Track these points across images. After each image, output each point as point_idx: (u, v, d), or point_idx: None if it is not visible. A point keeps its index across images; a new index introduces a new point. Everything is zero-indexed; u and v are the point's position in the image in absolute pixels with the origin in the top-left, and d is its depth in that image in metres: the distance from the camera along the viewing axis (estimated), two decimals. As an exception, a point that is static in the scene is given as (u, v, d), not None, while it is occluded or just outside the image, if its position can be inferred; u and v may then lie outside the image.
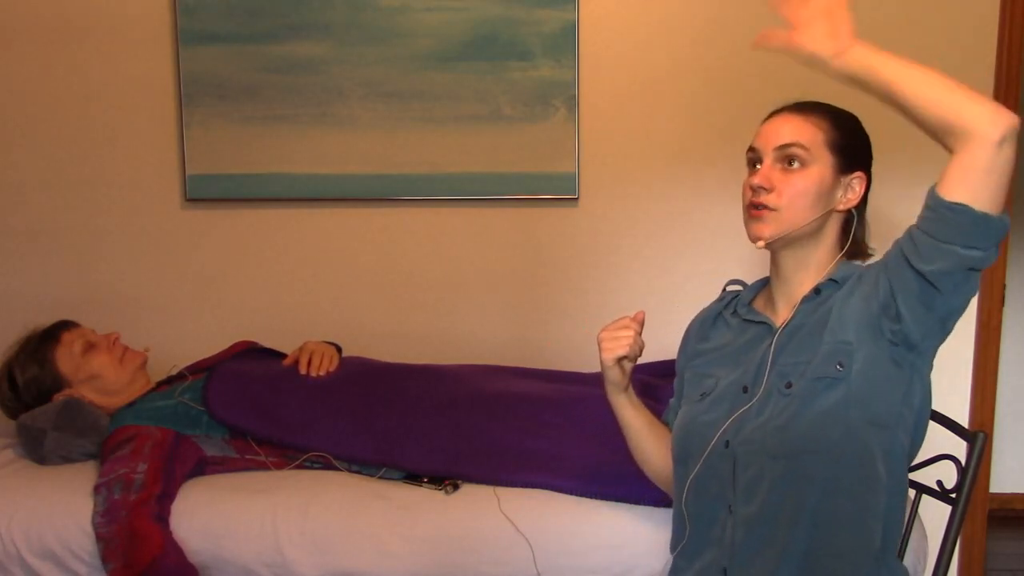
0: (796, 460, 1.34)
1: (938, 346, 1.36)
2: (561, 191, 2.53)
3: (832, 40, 1.27)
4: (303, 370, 2.15)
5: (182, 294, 2.63)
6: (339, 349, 2.31)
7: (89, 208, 2.60)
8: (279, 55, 2.49)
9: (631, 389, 1.54)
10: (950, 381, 2.54)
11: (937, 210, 1.25)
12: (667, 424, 1.60)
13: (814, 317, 1.39)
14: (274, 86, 2.51)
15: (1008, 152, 1.21)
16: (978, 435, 1.55)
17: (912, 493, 1.71)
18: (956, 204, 1.23)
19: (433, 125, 2.51)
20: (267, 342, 2.42)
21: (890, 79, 1.25)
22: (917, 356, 1.34)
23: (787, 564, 1.35)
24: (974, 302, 2.51)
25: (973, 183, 1.22)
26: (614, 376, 1.50)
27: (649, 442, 1.57)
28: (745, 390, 1.42)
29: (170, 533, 1.81)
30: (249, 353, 2.31)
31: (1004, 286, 2.55)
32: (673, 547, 1.51)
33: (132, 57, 2.54)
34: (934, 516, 1.81)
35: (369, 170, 2.54)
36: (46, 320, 2.20)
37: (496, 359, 2.52)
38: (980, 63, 2.43)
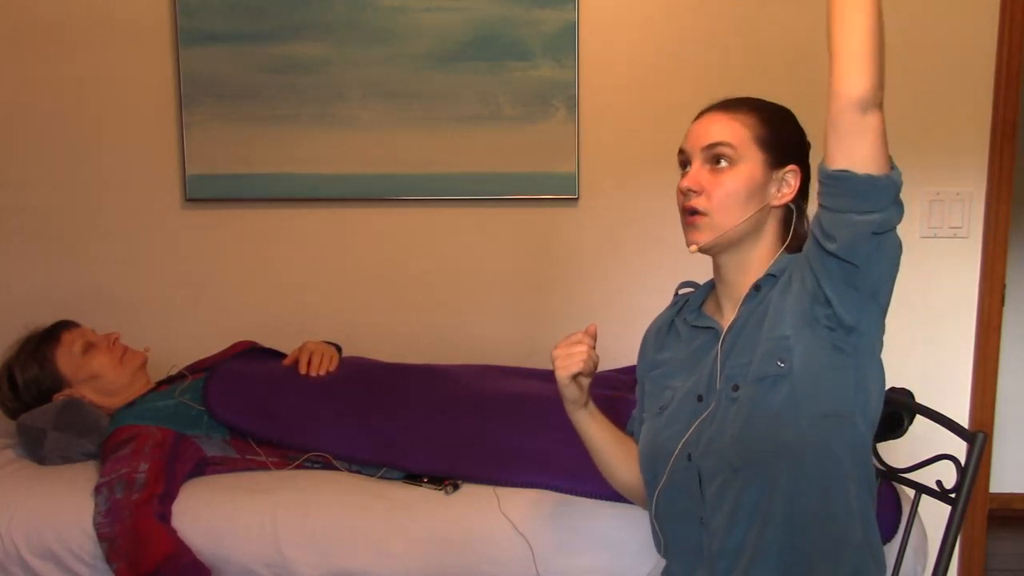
0: (757, 468, 1.32)
1: (881, 321, 1.33)
2: (561, 191, 2.53)
3: None
4: (303, 370, 2.15)
5: (182, 294, 2.63)
6: (339, 349, 2.31)
7: (89, 208, 2.60)
8: (279, 55, 2.49)
9: (591, 404, 1.50)
10: (950, 381, 2.54)
11: (826, 182, 1.25)
12: (631, 435, 1.58)
13: (755, 315, 1.38)
14: (274, 86, 2.51)
15: (873, 121, 1.21)
16: (978, 435, 1.55)
17: (912, 493, 1.72)
18: (838, 171, 1.23)
19: (433, 125, 2.51)
20: (267, 342, 2.42)
21: None
22: (859, 337, 1.31)
23: (764, 568, 1.34)
24: (974, 301, 2.52)
25: (847, 147, 1.22)
26: (571, 394, 1.45)
27: (615, 456, 1.53)
28: (700, 399, 1.40)
29: (176, 532, 1.81)
30: (249, 353, 2.31)
31: (1004, 286, 2.55)
32: (657, 550, 1.52)
33: (132, 57, 2.54)
34: (934, 516, 1.81)
35: (369, 170, 2.54)
36: (46, 320, 2.20)
37: (496, 359, 2.52)
38: (980, 63, 2.43)
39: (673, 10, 2.47)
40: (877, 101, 1.21)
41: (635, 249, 2.57)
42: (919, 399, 1.63)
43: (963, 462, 1.56)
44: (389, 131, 2.52)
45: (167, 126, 2.56)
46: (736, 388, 1.35)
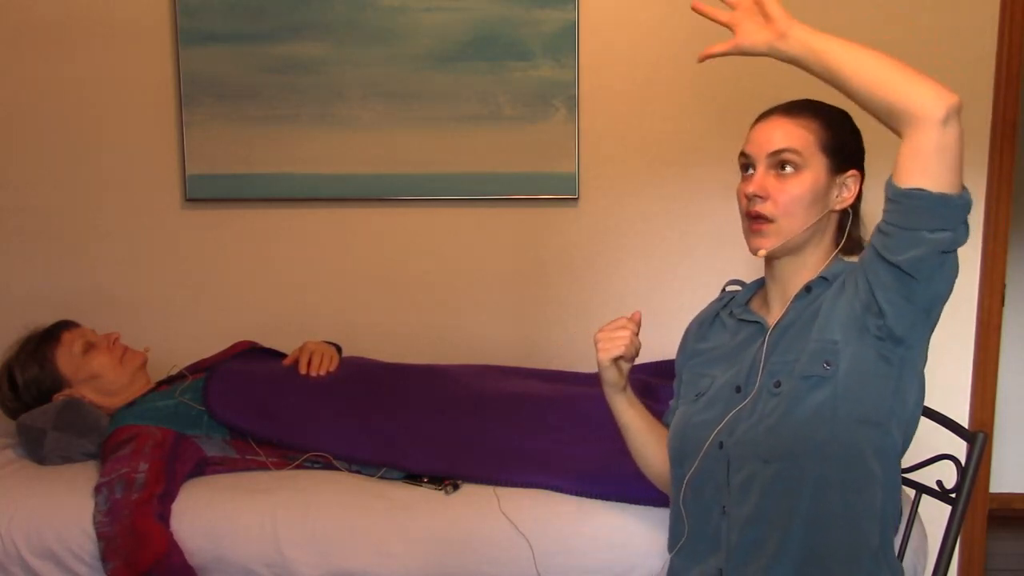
0: (787, 462, 1.34)
1: (928, 337, 1.36)
2: (561, 191, 2.53)
3: (766, 29, 1.28)
4: (303, 370, 2.15)
5: (182, 294, 2.63)
6: (339, 349, 2.31)
7: (89, 208, 2.60)
8: (279, 55, 2.49)
9: (629, 389, 1.54)
10: (950, 381, 2.54)
11: (897, 199, 1.25)
12: (667, 426, 1.59)
13: (804, 315, 1.39)
14: (274, 86, 2.51)
15: (953, 131, 1.21)
16: (978, 435, 1.55)
17: (912, 493, 1.72)
18: (913, 189, 1.23)
19: (433, 125, 2.51)
20: (267, 342, 2.42)
21: (832, 60, 1.26)
22: (906, 350, 1.33)
23: (783, 565, 1.35)
24: (974, 301, 2.52)
25: (925, 166, 1.22)
26: (611, 377, 1.50)
27: (649, 444, 1.56)
28: (738, 390, 1.42)
29: (171, 533, 1.81)
30: (249, 353, 2.31)
31: (1004, 286, 2.55)
32: (671, 547, 1.51)
33: (132, 57, 2.54)
34: (934, 516, 1.81)
35: (369, 170, 2.54)
36: (46, 320, 2.20)
37: (496, 359, 2.52)
38: (980, 63, 2.43)
39: (673, 10, 2.47)
40: (958, 107, 1.20)
41: (635, 249, 2.57)
42: (919, 399, 1.63)
43: (963, 462, 1.56)
44: (389, 131, 2.52)
45: (167, 126, 2.56)
46: (778, 384, 1.36)
